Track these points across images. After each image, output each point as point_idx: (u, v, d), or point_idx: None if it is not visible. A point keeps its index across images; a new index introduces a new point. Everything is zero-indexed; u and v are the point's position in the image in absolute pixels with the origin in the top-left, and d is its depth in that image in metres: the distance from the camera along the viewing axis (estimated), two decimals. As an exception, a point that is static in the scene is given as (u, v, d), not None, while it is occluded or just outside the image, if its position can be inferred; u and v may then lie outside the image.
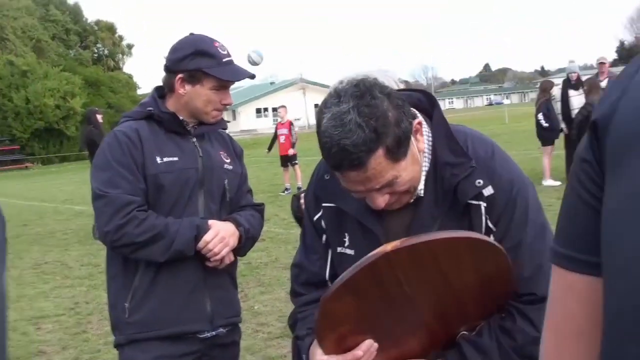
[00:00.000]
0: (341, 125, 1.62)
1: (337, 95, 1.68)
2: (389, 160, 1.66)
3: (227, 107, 2.84)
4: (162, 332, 2.70)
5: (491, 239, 1.72)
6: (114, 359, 5.44)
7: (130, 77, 66.80)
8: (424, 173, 1.81)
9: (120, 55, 73.52)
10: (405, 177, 1.72)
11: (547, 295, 1.76)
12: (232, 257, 2.79)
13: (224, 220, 2.77)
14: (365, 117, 1.62)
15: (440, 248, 1.63)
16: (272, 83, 76.95)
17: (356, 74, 2.86)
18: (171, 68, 2.74)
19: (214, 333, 2.79)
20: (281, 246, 9.69)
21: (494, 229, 1.78)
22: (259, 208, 3.01)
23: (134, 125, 2.73)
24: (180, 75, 2.70)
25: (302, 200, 2.93)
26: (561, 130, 13.41)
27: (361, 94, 1.65)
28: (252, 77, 2.90)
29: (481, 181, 1.76)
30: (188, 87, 2.70)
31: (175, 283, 2.70)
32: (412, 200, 1.82)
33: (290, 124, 16.74)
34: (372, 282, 1.63)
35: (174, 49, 2.75)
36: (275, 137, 16.95)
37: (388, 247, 1.60)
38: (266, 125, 54.36)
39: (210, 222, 2.71)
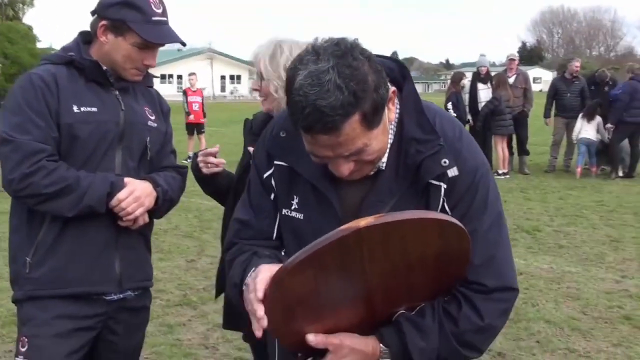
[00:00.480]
0: (319, 85, 1.51)
1: (315, 52, 1.56)
2: (363, 127, 1.57)
3: (149, 68, 2.70)
4: (65, 291, 2.57)
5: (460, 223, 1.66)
6: None
7: (30, 28, 63.99)
8: (388, 145, 1.74)
9: (21, 5, 70.39)
10: (375, 146, 1.65)
11: (497, 287, 1.75)
12: (146, 219, 2.67)
13: (142, 180, 2.64)
14: (345, 78, 1.51)
15: (411, 227, 1.57)
16: (178, 50, 75.67)
17: (270, 41, 2.78)
18: (98, 12, 2.60)
19: (121, 296, 2.68)
20: (182, 214, 9.55)
21: (449, 213, 1.72)
22: (182, 171, 2.89)
23: (52, 70, 2.56)
24: (103, 22, 2.57)
25: (199, 158, 2.92)
26: (467, 121, 13.74)
27: (342, 54, 1.54)
28: (183, 44, 2.79)
29: (447, 161, 1.70)
30: (110, 37, 2.58)
31: (83, 240, 2.57)
32: (372, 173, 1.75)
33: (201, 93, 16.48)
34: (337, 257, 1.55)
35: None
36: (187, 102, 16.65)
37: (361, 222, 1.51)
38: (170, 92, 53.14)
39: (127, 179, 2.58)
